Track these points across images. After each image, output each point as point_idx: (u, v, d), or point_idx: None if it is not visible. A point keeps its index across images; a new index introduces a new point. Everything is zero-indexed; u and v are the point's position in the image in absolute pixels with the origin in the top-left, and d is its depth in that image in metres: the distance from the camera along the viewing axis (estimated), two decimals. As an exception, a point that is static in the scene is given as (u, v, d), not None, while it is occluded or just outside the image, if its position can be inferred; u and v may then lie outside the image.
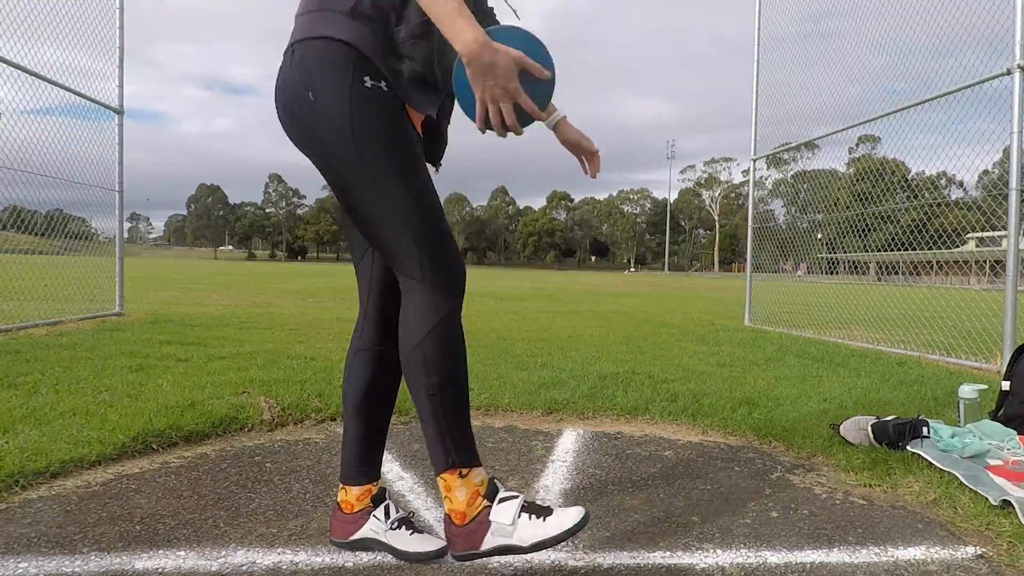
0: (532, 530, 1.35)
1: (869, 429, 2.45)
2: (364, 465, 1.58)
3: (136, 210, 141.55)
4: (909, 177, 7.08)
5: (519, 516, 1.36)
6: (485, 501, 1.39)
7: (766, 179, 10.40)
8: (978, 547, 1.65)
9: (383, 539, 1.52)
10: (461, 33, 1.20)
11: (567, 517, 1.36)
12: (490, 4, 1.63)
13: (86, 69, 5.85)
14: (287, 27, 1.42)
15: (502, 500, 1.39)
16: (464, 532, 1.38)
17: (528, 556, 1.51)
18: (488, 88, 1.22)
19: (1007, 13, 4.20)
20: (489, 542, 1.37)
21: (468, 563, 1.49)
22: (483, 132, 1.31)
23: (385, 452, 2.35)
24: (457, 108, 1.37)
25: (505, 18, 1.51)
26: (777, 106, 7.20)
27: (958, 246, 6.07)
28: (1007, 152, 4.21)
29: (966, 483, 2.00)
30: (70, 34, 5.55)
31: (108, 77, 6.23)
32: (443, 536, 1.49)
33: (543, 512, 1.37)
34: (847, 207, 7.75)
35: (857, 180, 8.56)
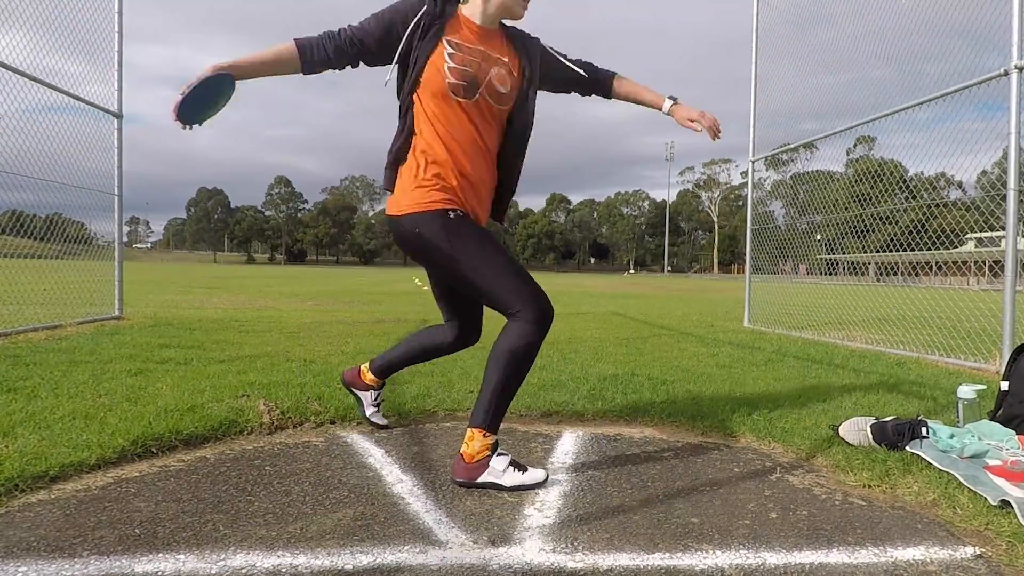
0: (514, 477, 2.01)
1: (868, 430, 2.46)
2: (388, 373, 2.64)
3: (134, 213, 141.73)
4: (907, 177, 7.08)
5: (508, 467, 2.02)
6: (488, 453, 2.03)
7: (765, 180, 10.38)
8: (977, 547, 1.65)
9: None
10: None
11: (537, 474, 2.05)
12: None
13: (78, 72, 5.85)
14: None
15: (499, 455, 2.04)
16: (468, 468, 2.02)
17: (528, 558, 1.55)
18: None
19: (1004, 13, 4.21)
20: (484, 478, 2.01)
21: (469, 560, 1.51)
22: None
23: (385, 455, 2.37)
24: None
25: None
26: (776, 104, 7.21)
27: (957, 247, 6.07)
28: (1006, 152, 4.21)
29: (965, 483, 2.00)
30: (62, 37, 5.54)
31: (97, 80, 6.17)
32: (443, 538, 1.54)
33: (522, 468, 2.05)
34: (846, 208, 7.74)
35: (856, 181, 8.57)
